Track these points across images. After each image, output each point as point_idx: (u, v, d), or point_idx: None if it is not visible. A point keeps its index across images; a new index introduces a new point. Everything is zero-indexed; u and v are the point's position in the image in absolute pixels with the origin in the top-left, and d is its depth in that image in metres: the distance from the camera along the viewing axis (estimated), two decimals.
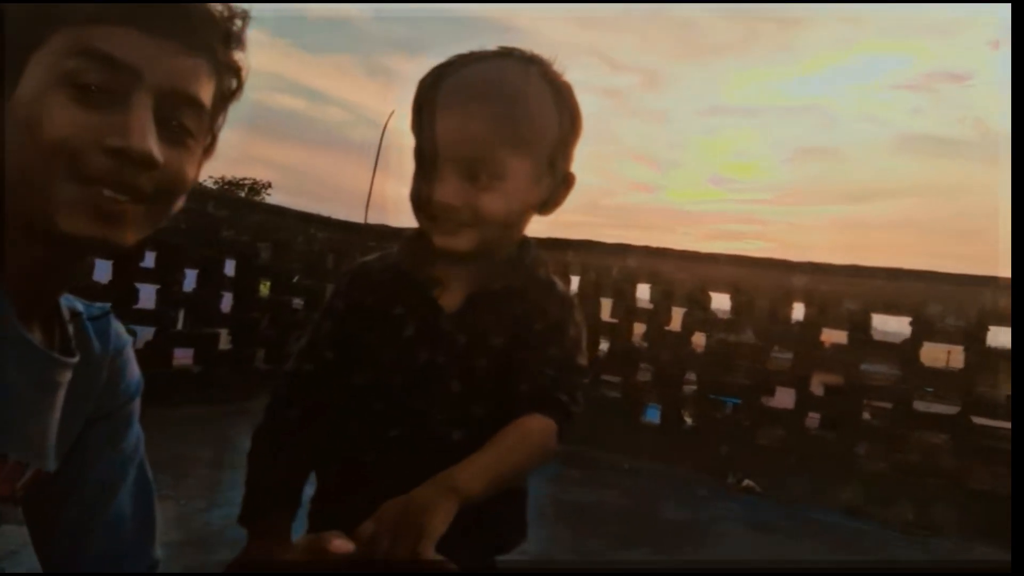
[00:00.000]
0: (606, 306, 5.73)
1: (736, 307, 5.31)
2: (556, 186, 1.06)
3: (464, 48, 1.04)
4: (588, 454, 5.18)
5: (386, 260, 1.11)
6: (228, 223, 5.30)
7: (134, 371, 0.90)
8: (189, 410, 4.65)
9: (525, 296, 1.06)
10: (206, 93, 0.74)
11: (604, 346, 5.74)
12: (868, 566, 2.17)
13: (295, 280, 5.76)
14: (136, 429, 0.91)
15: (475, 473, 0.87)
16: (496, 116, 0.97)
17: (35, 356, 0.75)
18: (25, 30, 0.68)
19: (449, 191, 0.97)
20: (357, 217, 5.91)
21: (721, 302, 5.40)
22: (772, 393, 5.31)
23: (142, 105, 0.69)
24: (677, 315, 5.49)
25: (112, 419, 0.87)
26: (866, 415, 5.11)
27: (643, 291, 5.61)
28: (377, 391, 1.05)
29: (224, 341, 5.55)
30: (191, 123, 0.73)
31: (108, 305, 0.88)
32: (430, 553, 0.75)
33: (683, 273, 5.44)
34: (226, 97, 0.79)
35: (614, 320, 5.65)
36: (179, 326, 5.22)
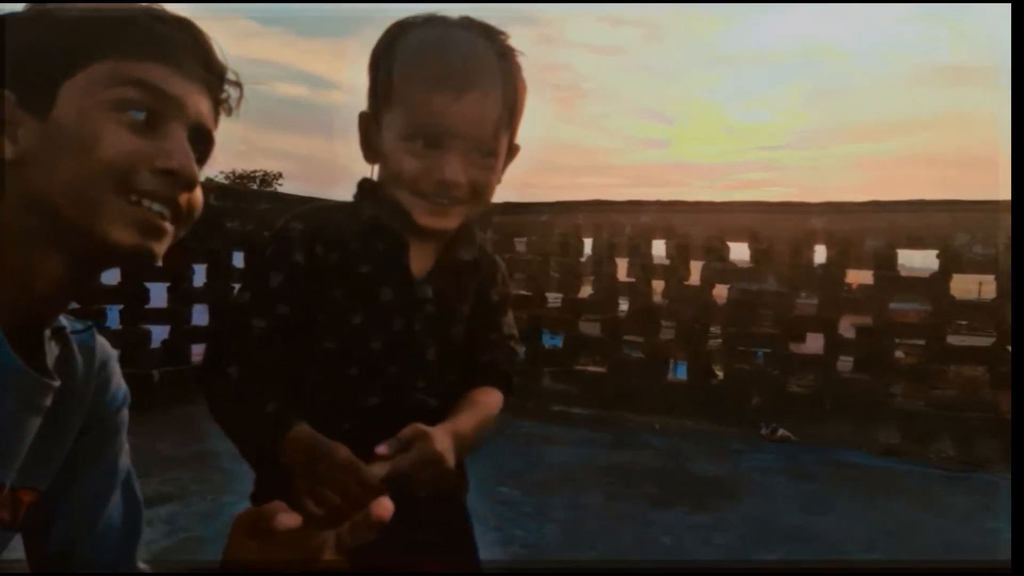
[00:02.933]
0: (622, 266, 5.64)
1: (755, 255, 5.18)
2: (509, 157, 1.07)
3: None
4: (617, 417, 5.12)
5: (349, 216, 1.05)
6: (232, 213, 5.23)
7: (119, 384, 0.93)
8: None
9: (480, 268, 1.12)
10: (213, 128, 0.82)
11: (624, 307, 5.66)
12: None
13: None
14: (122, 441, 0.94)
15: (468, 429, 1.00)
16: (499, 99, 0.99)
17: (25, 380, 0.78)
18: (61, 59, 0.74)
19: (460, 170, 0.98)
20: None
21: (740, 252, 5.28)
22: (801, 339, 5.20)
23: (180, 133, 0.77)
24: (695, 269, 5.37)
25: (98, 431, 0.91)
26: (899, 354, 4.99)
27: (658, 247, 5.50)
28: (352, 357, 1.03)
29: None
30: (205, 155, 0.82)
31: (91, 322, 0.91)
32: (452, 464, 0.93)
33: (698, 226, 5.32)
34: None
35: (631, 280, 5.55)
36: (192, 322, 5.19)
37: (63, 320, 0.86)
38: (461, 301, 1.10)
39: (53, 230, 0.75)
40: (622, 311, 5.63)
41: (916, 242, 4.80)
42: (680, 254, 5.38)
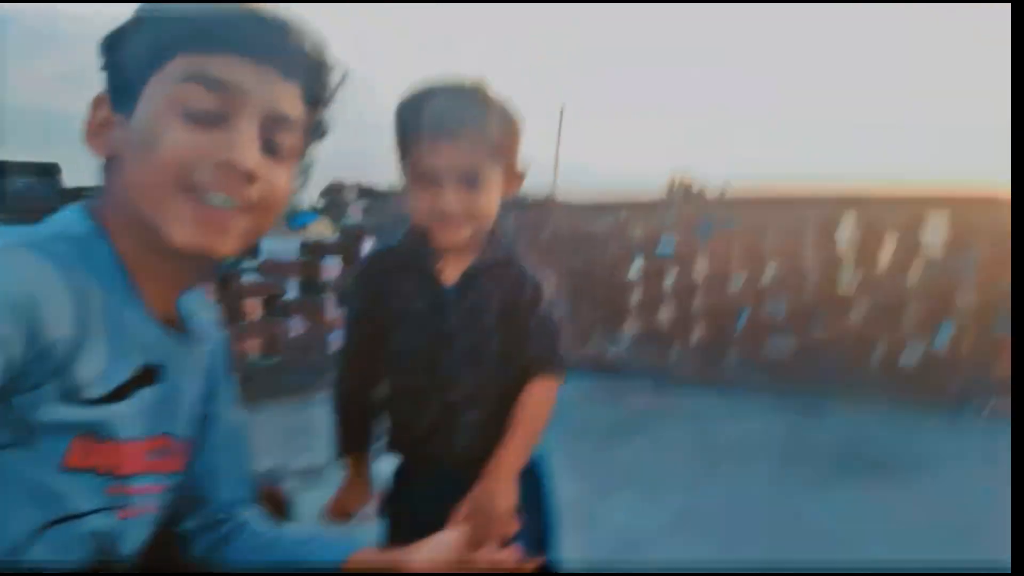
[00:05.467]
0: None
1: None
2: (512, 180, 1.33)
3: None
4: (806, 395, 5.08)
5: (394, 250, 1.37)
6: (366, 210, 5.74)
7: (221, 344, 0.98)
8: None
9: (504, 269, 1.34)
10: (300, 116, 0.82)
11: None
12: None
13: None
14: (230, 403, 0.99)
15: (514, 451, 1.25)
16: (479, 138, 1.24)
17: (178, 345, 0.85)
18: (148, 56, 0.76)
19: (449, 198, 1.25)
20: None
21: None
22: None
23: (247, 125, 0.77)
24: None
25: (219, 392, 0.96)
26: None
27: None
28: (409, 352, 1.32)
29: None
30: (288, 142, 0.81)
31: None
32: (513, 527, 1.22)
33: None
34: (315, 129, 0.87)
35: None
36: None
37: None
38: (489, 300, 1.31)
39: (138, 227, 0.76)
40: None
41: None
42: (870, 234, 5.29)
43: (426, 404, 1.31)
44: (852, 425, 4.44)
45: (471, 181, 1.25)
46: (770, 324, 5.67)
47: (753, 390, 5.27)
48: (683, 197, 8.94)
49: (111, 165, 0.79)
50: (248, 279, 4.98)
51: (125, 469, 0.78)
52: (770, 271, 5.71)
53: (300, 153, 0.85)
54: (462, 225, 1.27)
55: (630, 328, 6.16)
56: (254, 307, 5.04)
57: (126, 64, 0.76)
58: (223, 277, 4.76)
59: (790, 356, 5.55)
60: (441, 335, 1.31)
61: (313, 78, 0.83)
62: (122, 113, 0.77)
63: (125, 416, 0.77)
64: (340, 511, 1.43)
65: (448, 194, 1.25)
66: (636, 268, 6.16)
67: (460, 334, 1.30)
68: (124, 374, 0.77)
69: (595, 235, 6.31)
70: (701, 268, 5.89)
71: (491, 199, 1.28)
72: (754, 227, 5.72)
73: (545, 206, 6.54)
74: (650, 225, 6.10)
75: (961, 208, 4.99)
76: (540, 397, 1.30)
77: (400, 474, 1.40)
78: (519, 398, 1.28)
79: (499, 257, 1.34)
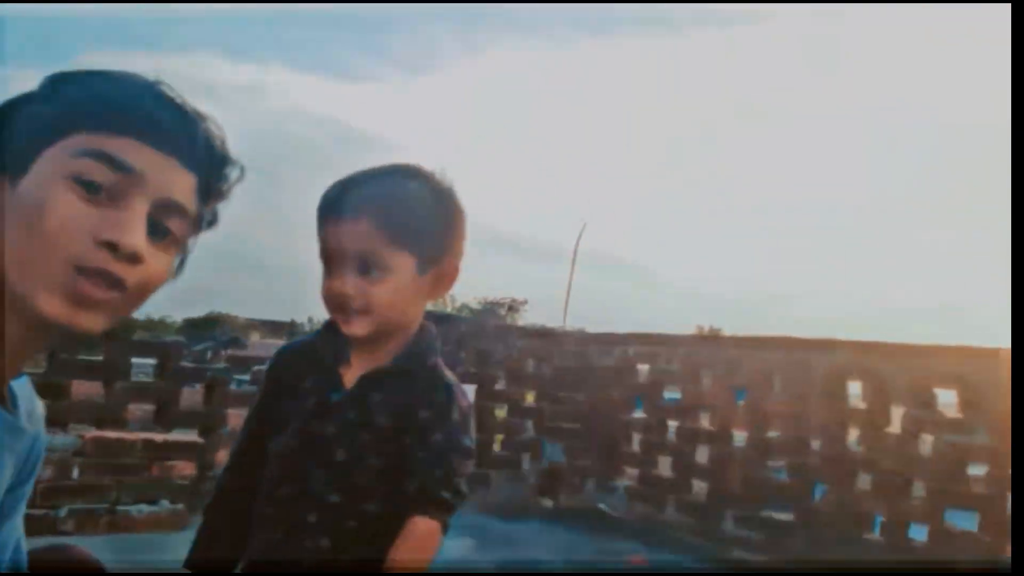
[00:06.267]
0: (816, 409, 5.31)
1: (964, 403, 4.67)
2: (439, 277, 1.21)
3: None
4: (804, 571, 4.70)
5: (305, 342, 1.29)
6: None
7: (43, 435, 0.94)
8: None
9: (413, 379, 1.19)
10: (192, 205, 0.83)
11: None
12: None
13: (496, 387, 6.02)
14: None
15: None
16: (378, 221, 1.14)
17: (8, 427, 0.83)
18: (50, 126, 0.76)
19: (344, 283, 1.15)
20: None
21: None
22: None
23: (139, 207, 0.77)
24: (895, 417, 4.94)
25: (27, 485, 0.92)
26: None
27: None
28: (278, 455, 1.21)
29: None
30: (177, 229, 0.81)
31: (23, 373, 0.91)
32: None
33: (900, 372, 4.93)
34: (203, 220, 0.87)
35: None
36: None
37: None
38: (378, 410, 1.17)
39: (5, 295, 0.74)
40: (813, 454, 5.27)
41: None
42: (879, 398, 4.99)
43: (280, 520, 1.16)
44: None
45: (364, 268, 1.15)
46: (772, 485, 5.33)
47: (750, 554, 4.88)
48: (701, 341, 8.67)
49: None
50: (235, 388, 4.99)
51: None
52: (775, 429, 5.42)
53: (185, 242, 0.85)
54: (360, 317, 1.15)
55: (626, 477, 5.87)
56: (238, 418, 5.03)
57: (24, 129, 0.76)
58: (208, 384, 4.80)
59: (791, 520, 5.17)
60: (317, 443, 1.17)
61: (213, 171, 0.84)
62: (9, 177, 0.76)
63: None
64: None
65: (342, 278, 1.15)
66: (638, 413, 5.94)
67: (337, 446, 1.16)
68: None
69: (600, 371, 6.15)
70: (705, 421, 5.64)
71: (395, 291, 1.16)
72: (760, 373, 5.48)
73: (552, 335, 6.45)
74: (658, 365, 5.92)
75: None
76: (415, 546, 1.10)
77: None
78: (395, 543, 1.09)
79: (406, 365, 1.20)
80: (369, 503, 1.14)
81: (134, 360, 4.38)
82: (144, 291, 0.80)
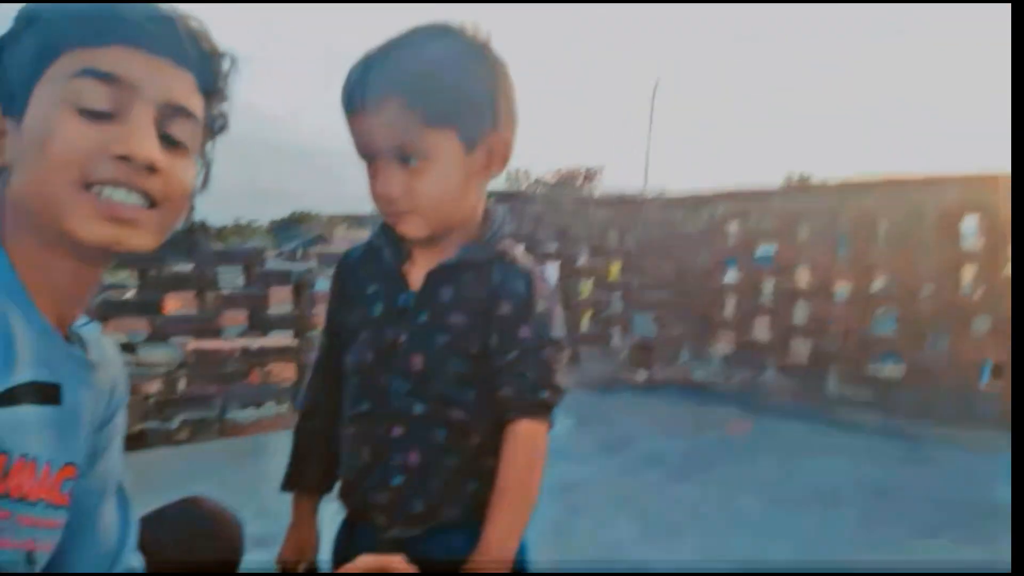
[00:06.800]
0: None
1: None
2: (492, 152, 1.04)
3: None
4: (915, 427, 4.52)
5: (365, 245, 1.16)
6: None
7: (124, 378, 0.95)
8: None
9: (485, 271, 1.06)
10: (196, 106, 0.81)
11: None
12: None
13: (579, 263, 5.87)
14: (120, 440, 0.95)
15: (499, 531, 0.98)
16: (407, 99, 0.98)
17: (79, 363, 0.82)
18: (34, 56, 0.75)
19: (387, 182, 1.02)
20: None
21: None
22: None
23: (143, 116, 0.75)
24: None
25: (110, 426, 0.92)
26: None
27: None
28: (354, 369, 1.12)
29: None
30: (186, 133, 0.80)
31: (88, 318, 0.92)
32: None
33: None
34: (213, 123, 0.85)
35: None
36: None
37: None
38: (451, 309, 1.07)
39: (38, 231, 0.74)
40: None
41: None
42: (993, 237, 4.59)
43: (365, 438, 1.08)
44: (964, 465, 3.84)
45: (404, 157, 1.01)
46: (877, 342, 5.08)
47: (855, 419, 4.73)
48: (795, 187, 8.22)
49: (5, 174, 0.77)
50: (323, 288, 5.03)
51: (32, 496, 0.75)
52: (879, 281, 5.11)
53: (200, 147, 0.84)
54: (411, 216, 1.04)
55: (722, 346, 5.72)
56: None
57: (12, 68, 0.75)
58: (296, 285, 4.84)
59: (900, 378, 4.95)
60: (391, 352, 1.07)
61: (205, 66, 0.82)
62: (12, 119, 0.75)
63: (23, 427, 0.73)
64: (284, 559, 1.21)
65: (383, 176, 1.03)
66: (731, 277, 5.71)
67: (413, 353, 1.06)
68: (18, 379, 0.73)
69: (687, 236, 5.90)
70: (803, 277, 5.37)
71: (443, 178, 1.02)
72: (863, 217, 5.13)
73: (633, 202, 6.18)
74: (749, 222, 5.62)
75: None
76: (524, 454, 1.02)
77: (344, 527, 1.18)
78: (502, 456, 1.01)
79: (475, 255, 1.07)
80: (456, 410, 1.05)
81: (221, 269, 4.44)
82: (175, 202, 0.78)
